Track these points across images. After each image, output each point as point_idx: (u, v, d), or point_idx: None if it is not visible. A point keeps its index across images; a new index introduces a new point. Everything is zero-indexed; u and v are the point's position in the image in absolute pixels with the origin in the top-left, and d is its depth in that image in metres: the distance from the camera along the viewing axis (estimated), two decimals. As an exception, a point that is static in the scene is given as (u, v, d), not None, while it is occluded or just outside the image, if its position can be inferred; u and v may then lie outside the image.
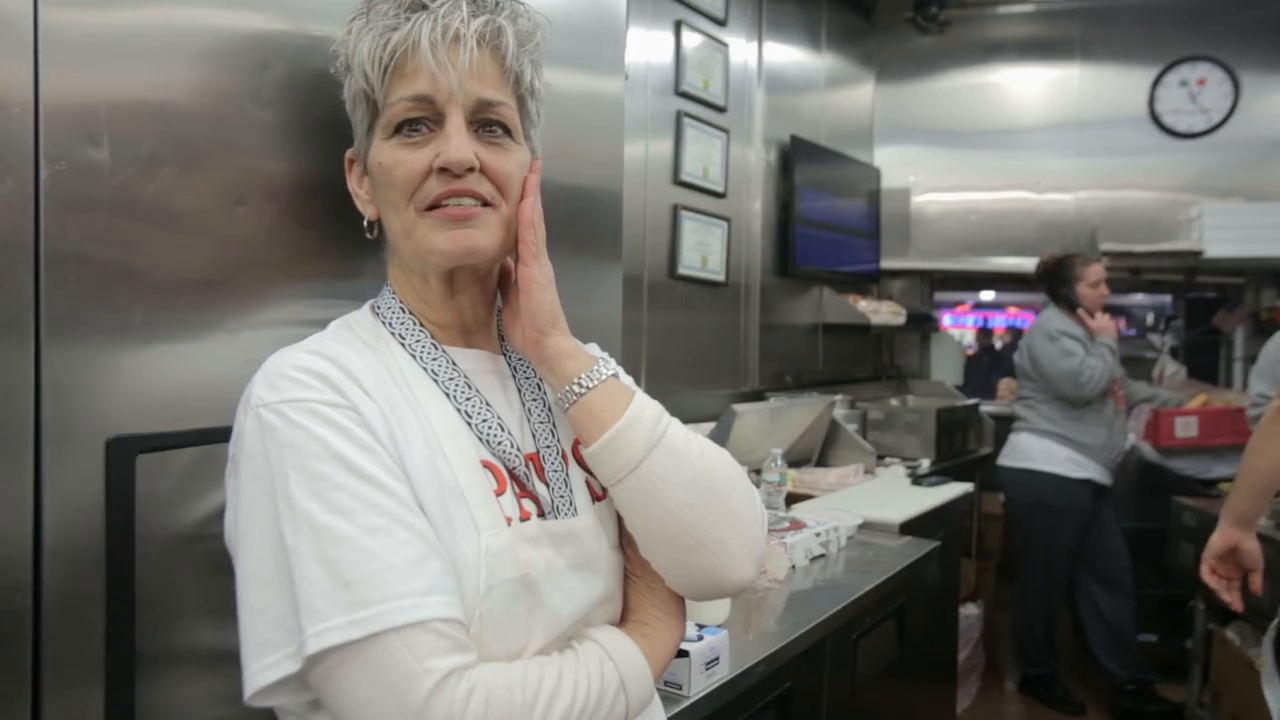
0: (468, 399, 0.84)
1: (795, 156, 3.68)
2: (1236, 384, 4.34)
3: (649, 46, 2.94)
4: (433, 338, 0.85)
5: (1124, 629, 3.40)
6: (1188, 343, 4.70)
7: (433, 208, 0.80)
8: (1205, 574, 1.93)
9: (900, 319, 4.11)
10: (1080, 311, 3.39)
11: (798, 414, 3.08)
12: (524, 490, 0.84)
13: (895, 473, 3.23)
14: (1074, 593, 3.55)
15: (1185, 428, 3.73)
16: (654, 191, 2.95)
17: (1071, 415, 3.35)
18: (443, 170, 0.78)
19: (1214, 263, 4.03)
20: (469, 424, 0.83)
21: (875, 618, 2.06)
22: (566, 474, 0.87)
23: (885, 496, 2.77)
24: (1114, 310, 7.28)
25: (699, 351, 3.19)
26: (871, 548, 2.27)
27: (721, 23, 3.31)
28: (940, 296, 5.21)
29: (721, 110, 3.27)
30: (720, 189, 3.25)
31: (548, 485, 0.85)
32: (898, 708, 2.31)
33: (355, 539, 0.68)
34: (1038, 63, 4.48)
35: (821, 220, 3.88)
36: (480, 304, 0.90)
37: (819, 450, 3.24)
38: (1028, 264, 4.10)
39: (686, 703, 1.30)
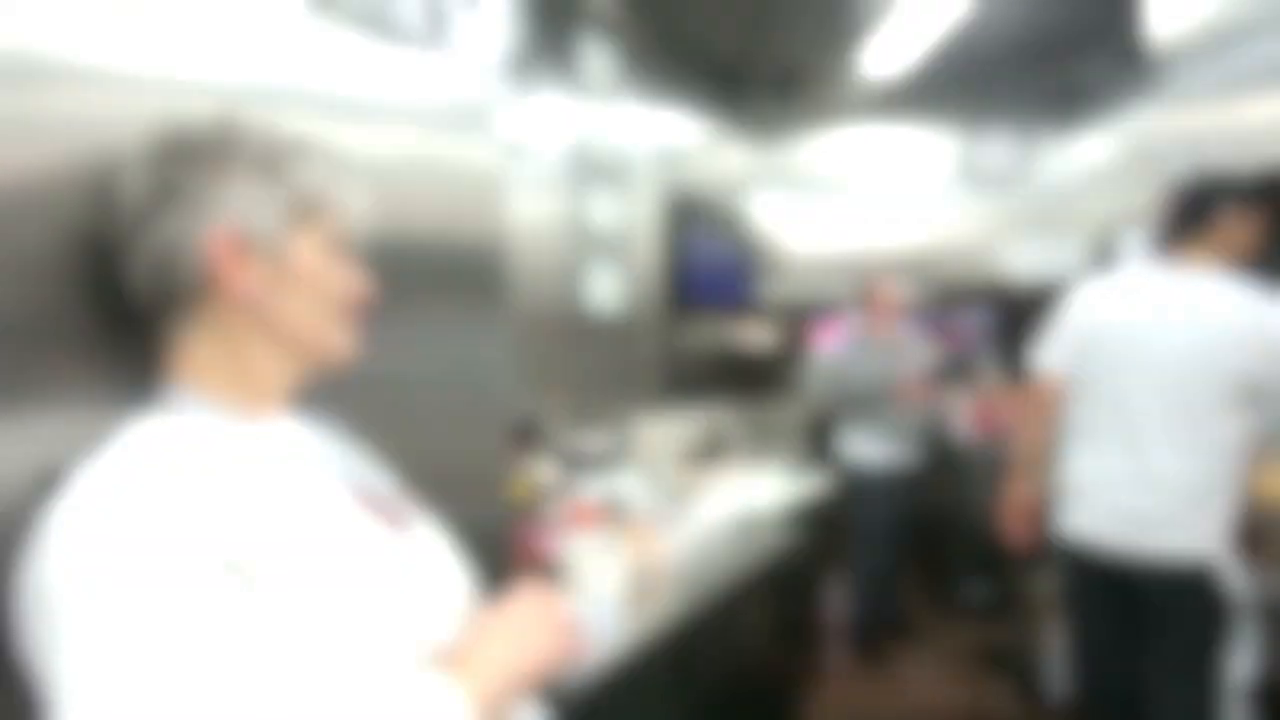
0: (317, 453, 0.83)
1: (685, 211, 3.86)
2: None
3: (556, 122, 3.03)
4: (248, 418, 0.79)
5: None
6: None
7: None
8: (1005, 530, 2.17)
9: (780, 342, 4.31)
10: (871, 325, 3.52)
11: (695, 423, 3.22)
12: (386, 516, 0.83)
13: (776, 470, 3.31)
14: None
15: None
16: (563, 243, 3.04)
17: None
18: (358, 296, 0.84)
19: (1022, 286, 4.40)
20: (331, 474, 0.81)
21: (755, 595, 2.19)
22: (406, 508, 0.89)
23: (767, 491, 2.88)
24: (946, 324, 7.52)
25: (607, 375, 3.28)
26: (753, 535, 2.41)
27: (618, 100, 3.44)
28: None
29: (621, 174, 3.41)
30: (622, 240, 3.39)
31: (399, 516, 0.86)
32: (780, 668, 2.43)
33: (168, 649, 0.62)
34: (881, 126, 4.84)
35: (710, 263, 4.03)
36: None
37: (713, 453, 3.34)
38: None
39: (571, 685, 1.35)
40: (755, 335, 4.22)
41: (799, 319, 4.99)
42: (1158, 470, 1.81)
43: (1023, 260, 4.39)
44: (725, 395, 4.07)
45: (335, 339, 0.82)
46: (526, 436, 2.00)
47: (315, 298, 0.80)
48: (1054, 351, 2.01)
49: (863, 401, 3.41)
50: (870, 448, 3.47)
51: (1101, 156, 4.42)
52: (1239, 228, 1.85)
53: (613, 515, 2.09)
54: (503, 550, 1.30)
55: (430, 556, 0.85)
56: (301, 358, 0.82)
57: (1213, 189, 1.85)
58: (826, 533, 3.34)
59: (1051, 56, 4.40)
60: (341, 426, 0.91)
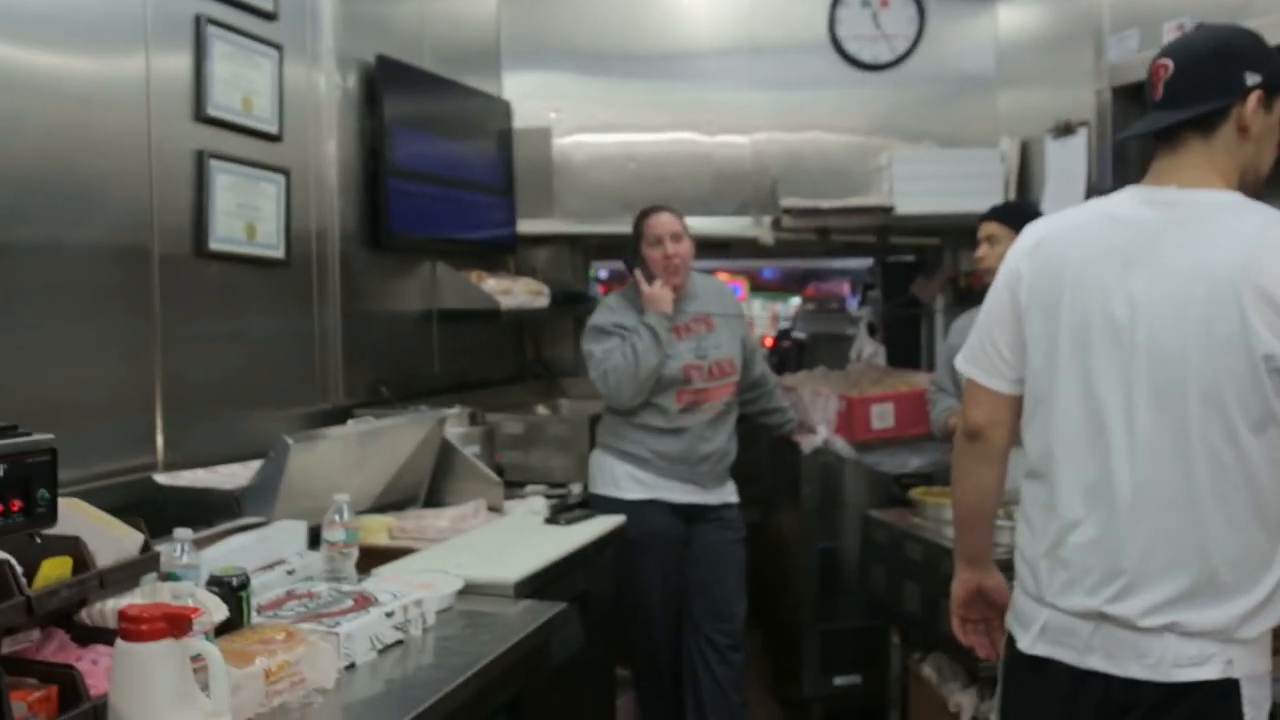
0: None
1: (385, 84, 3.63)
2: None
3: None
4: None
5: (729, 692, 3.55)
6: (886, 317, 5.16)
7: None
8: (957, 629, 2.13)
9: (543, 300, 4.18)
10: (639, 277, 3.53)
11: (395, 438, 3.01)
12: None
13: (532, 506, 3.25)
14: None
15: (881, 417, 4.09)
16: (164, 131, 2.74)
17: (626, 420, 3.52)
18: None
19: (907, 220, 4.44)
20: None
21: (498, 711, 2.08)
22: None
23: (507, 544, 2.80)
24: (820, 276, 7.86)
25: (250, 360, 3.04)
26: (478, 620, 2.27)
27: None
28: (609, 267, 5.41)
29: (269, 16, 3.12)
30: (272, 129, 3.11)
31: None
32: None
33: None
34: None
35: (428, 172, 3.85)
36: None
37: (428, 484, 3.19)
38: (703, 225, 4.29)
39: None
40: (509, 287, 4.09)
41: (580, 261, 4.80)
42: (1156, 523, 1.74)
43: (912, 182, 4.36)
44: (460, 385, 3.99)
45: None
46: (42, 472, 1.67)
47: None
48: (993, 345, 1.96)
49: (625, 399, 3.46)
50: (639, 470, 3.50)
51: (1025, 25, 4.53)
52: (1267, 125, 1.82)
53: (230, 606, 1.89)
54: None
55: None
56: None
57: (1237, 58, 1.81)
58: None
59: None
60: None
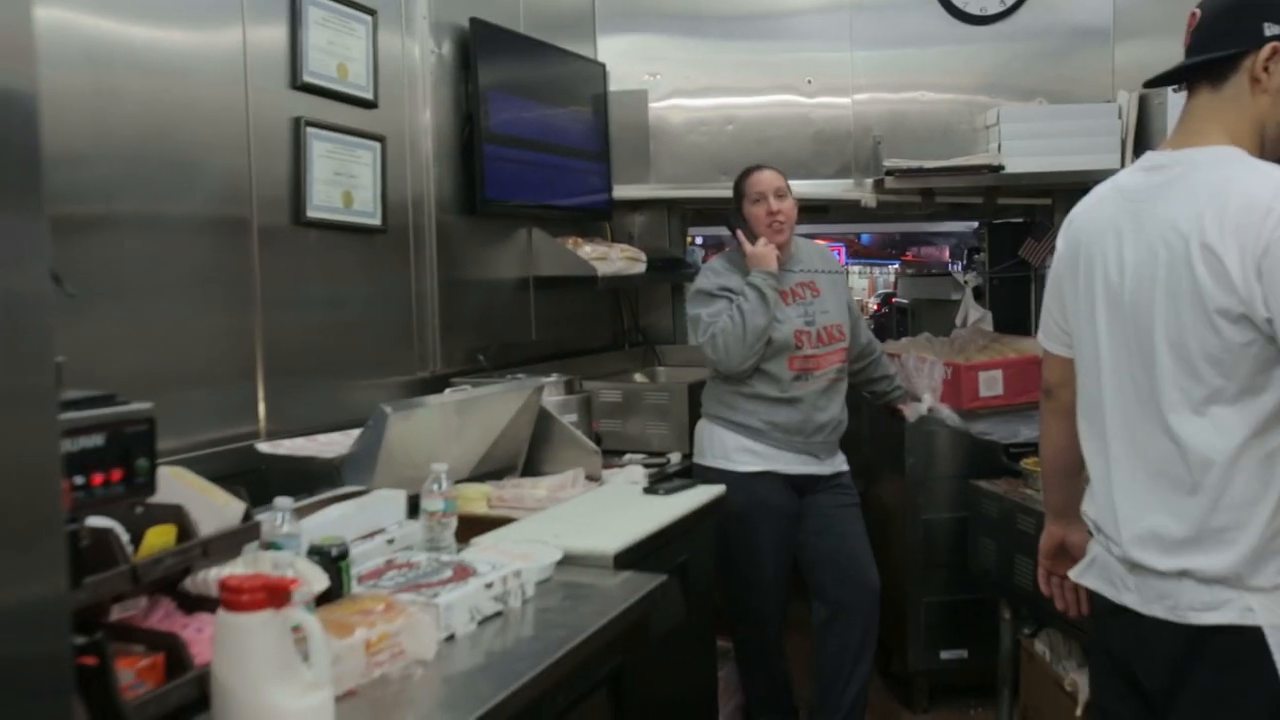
0: None
1: (480, 49, 3.62)
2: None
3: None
4: None
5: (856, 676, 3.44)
6: (993, 280, 5.03)
7: None
8: (1042, 581, 2.27)
9: (639, 266, 4.15)
10: (741, 237, 3.45)
11: (492, 407, 2.99)
12: None
13: (631, 475, 3.19)
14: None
15: (990, 384, 3.97)
16: (261, 99, 2.78)
17: (736, 390, 3.43)
18: None
19: (1016, 179, 4.29)
20: None
21: (574, 694, 2.02)
22: None
23: (606, 514, 2.77)
24: (920, 241, 7.68)
25: (348, 327, 3.09)
26: (577, 592, 2.24)
27: None
28: (701, 233, 5.37)
29: None
30: (368, 95, 3.14)
31: None
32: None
33: None
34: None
35: (524, 137, 3.85)
36: None
37: (526, 453, 3.17)
38: (804, 187, 4.20)
39: None
40: (606, 253, 4.08)
41: (677, 227, 4.77)
42: (1147, 477, 1.84)
43: (1022, 140, 4.19)
44: (557, 353, 4.03)
45: None
46: (141, 442, 1.66)
47: None
48: (1049, 312, 2.13)
49: (734, 363, 3.37)
50: (752, 441, 3.42)
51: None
52: None
53: (330, 576, 1.89)
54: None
55: None
56: None
57: (1261, 8, 1.79)
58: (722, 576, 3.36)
59: None
60: None
